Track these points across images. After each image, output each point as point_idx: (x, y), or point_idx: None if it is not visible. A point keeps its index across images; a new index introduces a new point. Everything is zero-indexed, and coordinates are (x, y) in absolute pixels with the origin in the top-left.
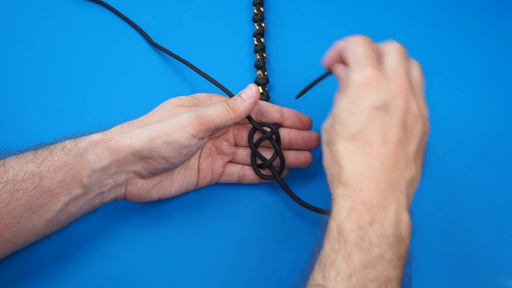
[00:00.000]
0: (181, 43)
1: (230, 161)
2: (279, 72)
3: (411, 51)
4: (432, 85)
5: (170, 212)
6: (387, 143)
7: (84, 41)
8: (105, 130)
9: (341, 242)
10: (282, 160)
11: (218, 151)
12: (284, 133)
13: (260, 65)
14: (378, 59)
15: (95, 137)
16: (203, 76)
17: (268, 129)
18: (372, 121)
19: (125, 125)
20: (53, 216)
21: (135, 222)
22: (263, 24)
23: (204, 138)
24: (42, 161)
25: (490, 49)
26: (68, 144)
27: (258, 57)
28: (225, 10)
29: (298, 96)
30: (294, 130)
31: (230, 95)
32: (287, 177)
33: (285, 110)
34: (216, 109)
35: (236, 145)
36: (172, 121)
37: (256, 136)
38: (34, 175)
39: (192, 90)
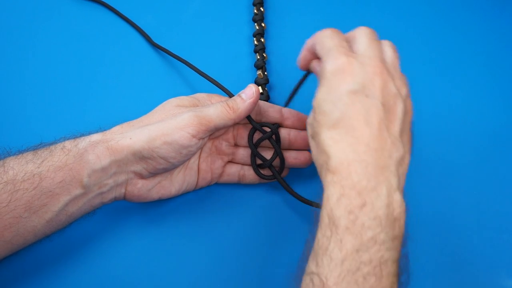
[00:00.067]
0: (181, 43)
1: (230, 161)
2: (279, 72)
3: (411, 51)
4: (432, 85)
5: (170, 212)
6: (370, 125)
7: (84, 41)
8: (105, 130)
9: (332, 228)
10: (282, 160)
11: (218, 151)
12: (284, 133)
13: (260, 65)
14: (349, 47)
15: (95, 137)
16: (203, 76)
17: (268, 129)
18: (352, 106)
19: (125, 125)
20: (53, 216)
21: (135, 222)
22: (263, 24)
23: (204, 138)
24: (42, 161)
25: (490, 49)
26: (68, 144)
27: (258, 57)
28: (225, 10)
29: (286, 104)
30: (294, 130)
31: (230, 95)
32: (287, 177)
33: (285, 110)
34: (216, 109)
35: (236, 145)
36: (172, 121)
37: (256, 136)
38: (34, 175)
39: (192, 90)
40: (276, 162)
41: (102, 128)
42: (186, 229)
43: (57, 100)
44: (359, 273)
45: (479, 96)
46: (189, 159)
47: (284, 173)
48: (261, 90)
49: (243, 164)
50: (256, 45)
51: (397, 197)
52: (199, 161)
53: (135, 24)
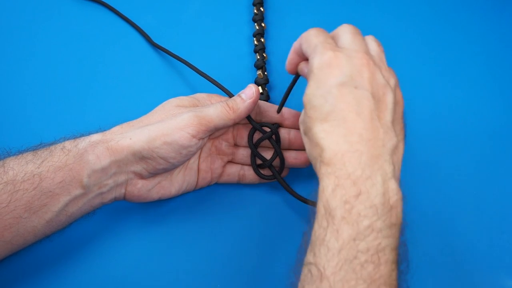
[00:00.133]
0: (181, 43)
1: (230, 161)
2: (279, 72)
3: (411, 51)
4: (432, 84)
5: (170, 212)
6: (361, 116)
7: (84, 41)
8: (104, 130)
9: (328, 219)
10: (282, 160)
11: (218, 151)
12: (284, 133)
13: (260, 65)
14: (334, 43)
15: (95, 137)
16: (203, 76)
17: (268, 129)
18: (341, 98)
19: (125, 125)
20: (53, 216)
21: (135, 222)
22: (263, 24)
23: (204, 138)
24: (42, 161)
25: (490, 49)
26: (68, 144)
27: (258, 57)
28: (225, 10)
29: (279, 110)
30: (294, 130)
31: (230, 95)
32: (287, 177)
33: (285, 110)
34: (216, 109)
35: (236, 145)
36: (172, 122)
37: (256, 136)
38: (34, 175)
39: (192, 90)
40: (276, 162)
41: (102, 128)
42: (186, 229)
43: (57, 100)
44: (356, 261)
45: (479, 96)
46: (189, 159)
47: (284, 173)
48: (261, 90)
49: (243, 164)
50: (256, 45)
51: (393, 185)
52: (199, 161)
53: (135, 24)
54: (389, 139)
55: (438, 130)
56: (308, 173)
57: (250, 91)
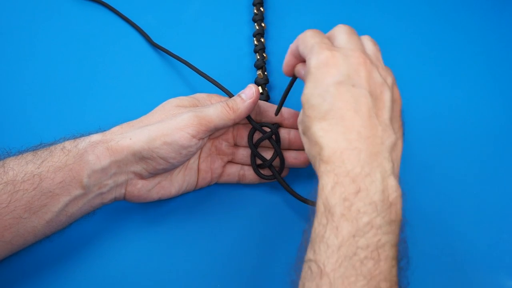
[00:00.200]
0: (181, 43)
1: (230, 161)
2: (279, 72)
3: (411, 51)
4: (432, 84)
5: (170, 212)
6: (359, 114)
7: (84, 41)
8: (104, 130)
9: (328, 216)
10: (282, 160)
11: (218, 151)
12: (284, 133)
13: (260, 65)
14: (330, 43)
15: (95, 137)
16: (203, 76)
17: (268, 129)
18: (339, 96)
19: (125, 125)
20: (53, 216)
21: (135, 222)
22: (263, 24)
23: (203, 138)
24: (42, 161)
25: (490, 49)
26: (68, 144)
27: (258, 57)
28: (225, 10)
29: (277, 113)
30: (293, 130)
31: (230, 95)
32: (287, 177)
33: (285, 110)
34: (215, 109)
35: (236, 145)
36: (172, 122)
37: (256, 136)
38: (34, 175)
39: (192, 90)
40: (276, 162)
41: (102, 128)
42: (186, 229)
43: (57, 100)
44: (356, 258)
45: (479, 96)
46: (189, 159)
47: (284, 173)
48: (261, 90)
49: (243, 164)
50: (256, 45)
51: (392, 182)
52: (199, 161)
53: (135, 24)
54: (387, 137)
55: (438, 129)
56: (308, 173)
57: (250, 91)
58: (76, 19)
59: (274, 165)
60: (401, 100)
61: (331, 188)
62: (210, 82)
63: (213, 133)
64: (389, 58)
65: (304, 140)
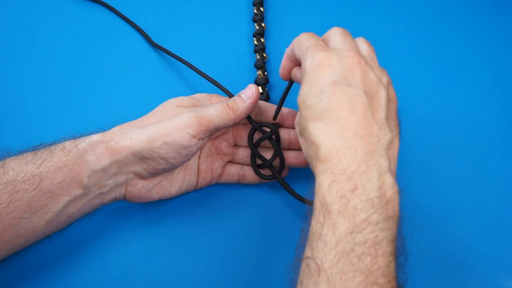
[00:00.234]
0: (181, 43)
1: (230, 161)
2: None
3: (412, 51)
4: (432, 84)
5: (170, 212)
6: (355, 113)
7: (84, 41)
8: (104, 130)
9: (325, 214)
10: (282, 160)
11: (218, 151)
12: (284, 133)
13: (260, 65)
14: (325, 45)
15: (95, 137)
16: (203, 76)
17: (268, 129)
18: (335, 96)
19: (125, 125)
20: (53, 216)
21: (135, 222)
22: (263, 24)
23: (204, 138)
24: (42, 162)
25: (490, 49)
26: (68, 144)
27: (258, 57)
28: (225, 10)
29: (275, 116)
30: (293, 130)
31: (230, 95)
32: (287, 177)
33: (285, 110)
34: (215, 109)
35: (236, 145)
36: (172, 122)
37: (256, 136)
38: (34, 176)
39: (192, 90)
40: (276, 162)
41: (102, 128)
42: (186, 229)
43: (57, 100)
44: (353, 254)
45: (479, 96)
46: (189, 159)
47: (284, 173)
48: (261, 90)
49: (243, 164)
50: (256, 45)
51: (389, 179)
52: (199, 161)
53: (135, 24)
54: (383, 135)
55: (438, 129)
56: (307, 173)
57: (250, 91)
58: (76, 19)
59: (274, 165)
60: (397, 99)
61: (328, 186)
62: (210, 82)
63: (213, 133)
64: (389, 58)
65: (301, 141)
